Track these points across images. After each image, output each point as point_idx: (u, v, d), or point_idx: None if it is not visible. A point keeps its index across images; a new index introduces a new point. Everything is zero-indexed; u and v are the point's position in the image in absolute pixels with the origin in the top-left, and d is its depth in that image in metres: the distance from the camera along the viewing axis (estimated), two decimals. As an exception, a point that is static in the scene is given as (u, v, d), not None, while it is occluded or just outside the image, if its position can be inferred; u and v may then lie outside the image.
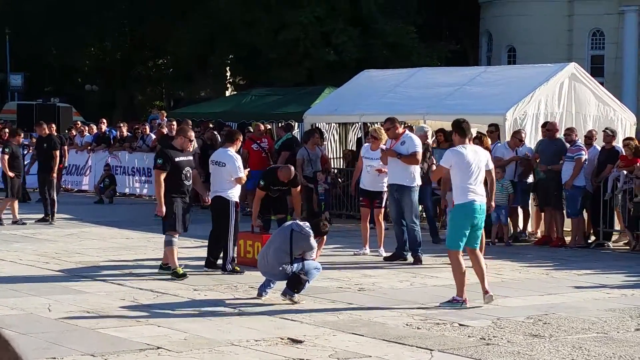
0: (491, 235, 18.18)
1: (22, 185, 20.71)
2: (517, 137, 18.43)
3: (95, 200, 25.46)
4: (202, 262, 14.18)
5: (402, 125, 16.07)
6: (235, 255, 14.01)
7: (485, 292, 11.59)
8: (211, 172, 14.30)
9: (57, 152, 20.79)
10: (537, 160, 18.36)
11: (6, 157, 20.00)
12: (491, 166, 14.42)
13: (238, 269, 13.79)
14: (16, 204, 19.99)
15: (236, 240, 14.03)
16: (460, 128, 11.85)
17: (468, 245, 11.71)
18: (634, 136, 19.86)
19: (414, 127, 20.14)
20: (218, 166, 14.00)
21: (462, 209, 11.58)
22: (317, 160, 20.96)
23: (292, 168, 15.53)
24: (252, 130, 23.08)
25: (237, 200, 13.98)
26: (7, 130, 28.66)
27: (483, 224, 11.93)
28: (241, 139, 14.45)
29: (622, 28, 45.47)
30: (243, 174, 13.89)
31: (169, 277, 13.26)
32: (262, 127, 23.60)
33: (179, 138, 13.86)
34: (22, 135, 21.03)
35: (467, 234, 11.56)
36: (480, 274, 11.64)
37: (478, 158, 11.70)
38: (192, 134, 14.42)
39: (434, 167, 12.45)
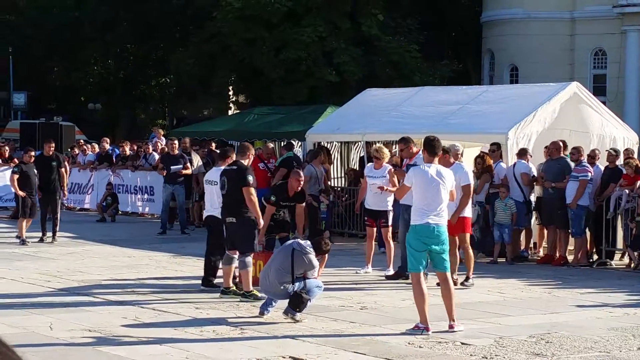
0: (493, 254, 18.19)
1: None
2: (529, 154, 18.56)
3: (98, 219, 25.46)
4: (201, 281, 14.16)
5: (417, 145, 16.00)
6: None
7: (450, 326, 11.08)
8: (205, 192, 14.39)
9: (63, 171, 20.85)
10: (542, 179, 18.35)
11: (15, 177, 19.80)
12: (469, 182, 14.30)
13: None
14: (25, 222, 19.72)
15: None
16: (430, 146, 11.36)
17: (437, 269, 11.30)
18: (635, 155, 19.89)
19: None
20: (210, 185, 14.08)
21: (415, 230, 11.11)
22: (322, 179, 21.02)
23: (300, 172, 15.49)
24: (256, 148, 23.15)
25: None
26: (7, 148, 28.70)
27: (447, 246, 11.34)
28: (233, 157, 14.41)
29: (624, 47, 45.47)
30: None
31: (245, 299, 12.97)
32: (272, 145, 23.62)
33: (247, 155, 13.60)
34: (34, 153, 20.60)
35: (424, 256, 11.08)
36: (448, 306, 11.17)
37: (441, 178, 11.16)
38: (253, 150, 14.36)
39: (400, 184, 12.07)
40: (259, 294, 12.74)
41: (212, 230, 14.04)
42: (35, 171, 19.92)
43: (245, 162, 13.46)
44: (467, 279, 14.70)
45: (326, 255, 12.49)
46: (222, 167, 14.01)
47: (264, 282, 11.94)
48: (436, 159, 11.40)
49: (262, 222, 13.43)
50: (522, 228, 18.59)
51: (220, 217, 13.69)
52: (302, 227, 15.93)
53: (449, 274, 11.42)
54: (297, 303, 11.56)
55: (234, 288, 13.25)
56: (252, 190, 13.24)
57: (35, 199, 19.91)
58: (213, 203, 13.95)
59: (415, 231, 11.14)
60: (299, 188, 14.94)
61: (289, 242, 12.38)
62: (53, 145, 20.91)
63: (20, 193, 19.71)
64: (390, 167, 15.96)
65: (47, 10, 52.63)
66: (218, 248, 13.83)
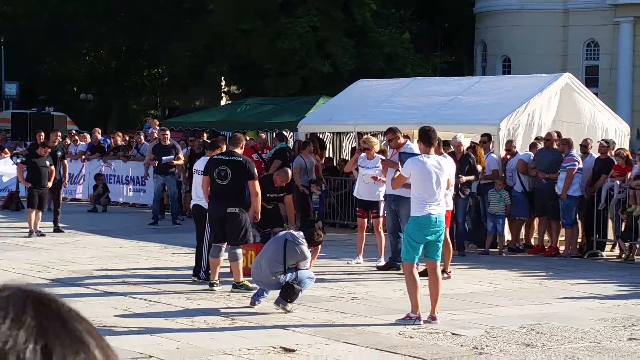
0: (485, 245, 18.18)
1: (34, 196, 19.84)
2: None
3: (89, 209, 25.42)
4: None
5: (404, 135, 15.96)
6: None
7: (432, 317, 11.06)
8: (193, 181, 14.54)
9: (66, 162, 20.79)
10: (534, 169, 18.36)
11: (22, 167, 19.57)
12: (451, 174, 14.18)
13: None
14: (34, 214, 19.37)
15: None
16: (426, 136, 11.32)
17: (428, 258, 11.27)
18: (627, 146, 19.91)
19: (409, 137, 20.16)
20: (197, 174, 14.11)
21: (417, 221, 11.09)
22: (312, 169, 21.00)
23: (289, 171, 15.55)
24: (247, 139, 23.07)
25: None
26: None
27: (443, 236, 11.42)
28: (224, 148, 14.41)
29: (616, 39, 45.54)
30: None
31: (235, 290, 12.96)
32: (264, 136, 23.59)
33: (241, 146, 13.51)
34: (49, 148, 20.08)
35: (422, 247, 11.10)
36: (433, 297, 11.15)
37: (440, 168, 11.18)
38: (244, 141, 14.33)
39: (397, 174, 11.99)
40: (250, 285, 12.74)
41: (198, 220, 14.07)
42: (48, 163, 19.57)
43: (240, 152, 13.45)
44: (442, 271, 14.51)
45: (319, 246, 12.49)
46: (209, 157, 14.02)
47: (255, 272, 11.94)
48: (432, 149, 11.41)
49: (259, 216, 13.43)
50: (524, 219, 18.62)
51: (205, 207, 13.73)
52: (294, 218, 15.95)
53: (439, 264, 11.43)
54: (288, 294, 11.56)
55: (246, 282, 13.01)
56: (257, 183, 13.26)
57: (44, 191, 19.55)
58: (198, 192, 13.97)
59: (416, 222, 11.13)
60: (284, 184, 15.03)
61: (282, 232, 12.39)
62: (59, 134, 20.73)
63: (26, 184, 19.44)
64: (382, 157, 15.96)
65: (43, 3, 52.42)
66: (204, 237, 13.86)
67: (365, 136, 17.13)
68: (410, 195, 11.43)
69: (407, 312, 11.10)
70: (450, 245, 14.78)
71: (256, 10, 40.11)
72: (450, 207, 14.71)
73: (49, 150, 19.80)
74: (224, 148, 14.38)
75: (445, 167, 11.34)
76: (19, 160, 19.80)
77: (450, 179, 11.74)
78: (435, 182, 11.10)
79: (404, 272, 11.36)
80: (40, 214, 19.52)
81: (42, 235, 19.23)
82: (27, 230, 19.37)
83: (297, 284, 11.61)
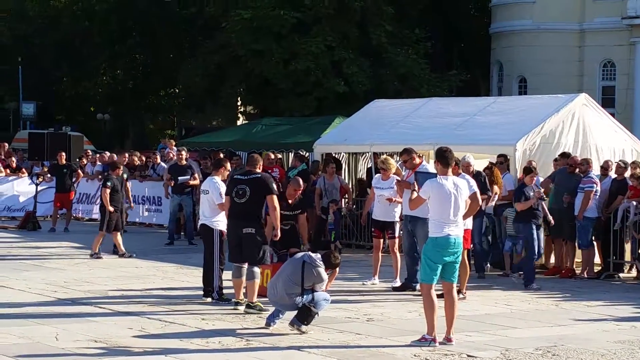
0: (504, 266, 17.96)
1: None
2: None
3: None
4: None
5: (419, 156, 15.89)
6: (221, 285, 13.93)
7: (448, 339, 11.06)
8: (200, 201, 14.69)
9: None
10: (551, 187, 18.26)
11: (107, 190, 19.38)
12: (475, 190, 14.03)
13: (225, 298, 13.72)
14: (119, 236, 19.52)
15: (222, 269, 13.98)
16: (443, 157, 11.35)
17: (445, 279, 11.24)
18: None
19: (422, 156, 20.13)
20: (203, 194, 14.26)
21: (436, 242, 11.08)
22: (332, 191, 20.99)
23: (300, 180, 15.59)
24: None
25: (222, 228, 13.92)
26: (14, 159, 28.71)
27: (460, 258, 11.39)
28: (228, 167, 14.48)
29: (633, 59, 45.40)
30: (224, 200, 13.73)
31: (248, 310, 12.92)
32: (272, 156, 23.60)
33: (258, 167, 13.49)
34: (122, 168, 20.40)
35: (440, 268, 11.08)
36: (449, 319, 11.13)
37: (458, 189, 11.23)
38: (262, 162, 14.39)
39: (414, 195, 11.94)
40: (263, 307, 12.73)
41: (205, 239, 14.13)
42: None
43: (259, 171, 13.49)
44: (458, 292, 14.45)
45: (337, 269, 12.47)
46: (215, 177, 14.08)
47: (271, 292, 11.95)
48: (450, 170, 11.43)
49: (279, 232, 13.46)
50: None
51: (209, 225, 13.85)
52: (307, 238, 15.95)
53: (455, 285, 11.41)
54: (304, 316, 11.56)
55: (259, 304, 12.96)
56: (276, 198, 13.28)
57: (118, 214, 19.58)
58: (205, 212, 14.12)
59: (435, 243, 11.12)
60: (297, 197, 15.13)
61: (300, 254, 12.39)
62: (127, 155, 20.71)
63: (110, 207, 19.40)
64: (397, 177, 15.94)
65: (56, 20, 52.77)
66: (213, 257, 13.90)
67: (384, 156, 17.06)
68: (429, 217, 11.43)
69: (422, 334, 11.08)
70: (467, 266, 14.73)
71: (269, 31, 40.17)
72: (469, 226, 14.66)
73: (121, 170, 19.97)
74: (228, 166, 14.50)
75: (462, 188, 11.36)
76: (108, 183, 19.44)
77: (469, 199, 11.70)
78: (453, 203, 11.13)
79: (422, 293, 11.33)
80: (117, 234, 19.55)
81: (131, 255, 19.33)
82: (90, 252, 19.33)
83: (314, 307, 11.61)
